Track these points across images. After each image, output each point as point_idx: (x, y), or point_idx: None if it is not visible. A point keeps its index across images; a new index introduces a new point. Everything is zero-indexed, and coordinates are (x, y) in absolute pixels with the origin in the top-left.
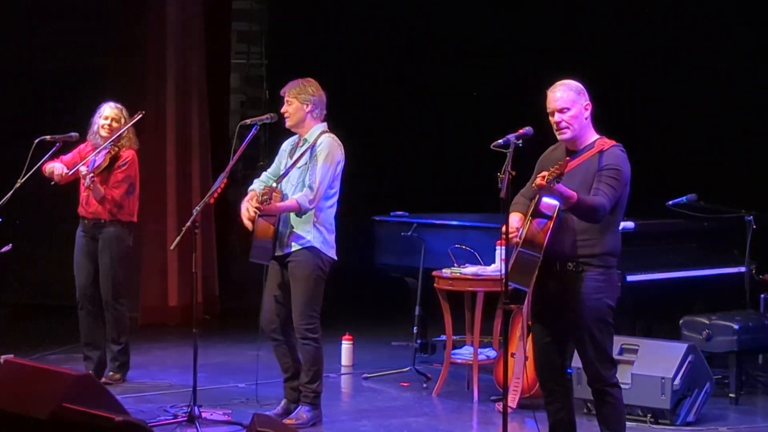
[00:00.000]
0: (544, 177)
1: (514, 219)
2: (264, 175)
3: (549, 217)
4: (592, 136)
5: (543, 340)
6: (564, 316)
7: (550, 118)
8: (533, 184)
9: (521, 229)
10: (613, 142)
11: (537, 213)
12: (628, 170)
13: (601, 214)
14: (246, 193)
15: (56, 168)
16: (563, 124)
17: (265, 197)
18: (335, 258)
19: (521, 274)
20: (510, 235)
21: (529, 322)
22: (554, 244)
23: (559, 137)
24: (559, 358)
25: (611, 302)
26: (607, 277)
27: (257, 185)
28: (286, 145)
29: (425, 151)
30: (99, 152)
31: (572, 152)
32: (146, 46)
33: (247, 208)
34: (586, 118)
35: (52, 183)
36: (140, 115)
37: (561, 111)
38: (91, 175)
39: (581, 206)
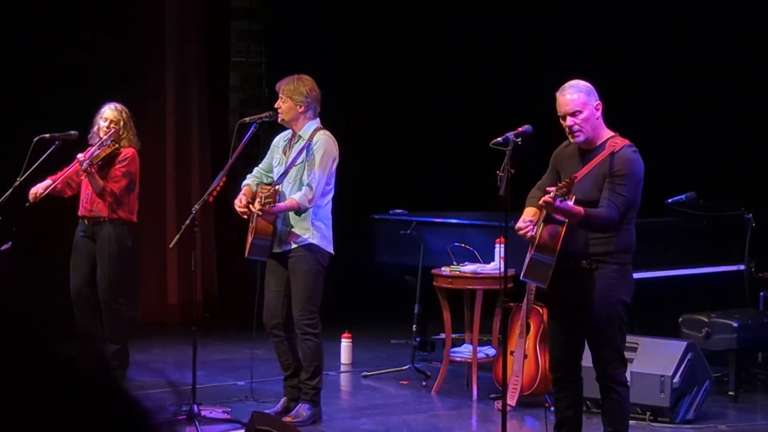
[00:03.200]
0: (550, 194)
1: (528, 213)
2: (256, 170)
3: (561, 223)
4: (605, 134)
5: (559, 336)
6: (578, 312)
7: (562, 122)
8: (541, 201)
9: (534, 229)
10: (626, 142)
11: (549, 219)
12: (641, 170)
13: (610, 226)
14: (240, 189)
15: (39, 187)
16: (576, 127)
17: (269, 200)
18: (333, 253)
19: (536, 273)
20: (524, 228)
21: (529, 320)
22: (568, 244)
23: (572, 140)
24: (574, 355)
25: (626, 299)
26: (621, 274)
27: (250, 180)
28: (278, 141)
29: (425, 150)
30: (99, 147)
31: (585, 151)
32: (145, 45)
33: (240, 199)
34: (597, 118)
35: (28, 204)
36: (114, 131)
37: (573, 114)
38: (88, 161)
39: (589, 221)
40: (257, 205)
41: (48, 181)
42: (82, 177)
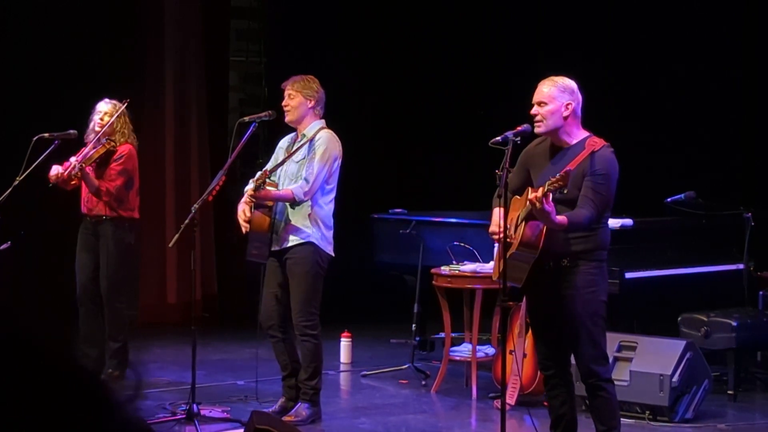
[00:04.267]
0: (535, 197)
1: (497, 215)
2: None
3: None
4: (580, 134)
5: (544, 335)
6: (560, 310)
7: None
8: (528, 199)
9: (511, 228)
10: (603, 143)
11: (530, 216)
12: (617, 171)
13: (589, 224)
14: (243, 194)
15: (53, 169)
16: (538, 117)
17: (259, 182)
18: (333, 254)
19: (515, 272)
20: (498, 233)
21: (528, 320)
22: (549, 243)
23: (535, 129)
24: (561, 351)
25: (604, 297)
26: (600, 271)
27: (252, 184)
28: (283, 142)
29: (424, 149)
30: (94, 146)
31: (558, 148)
32: (144, 44)
33: (243, 210)
34: (565, 117)
35: (50, 185)
36: (126, 103)
37: (539, 104)
38: (79, 165)
39: (572, 227)
40: (250, 191)
41: (59, 168)
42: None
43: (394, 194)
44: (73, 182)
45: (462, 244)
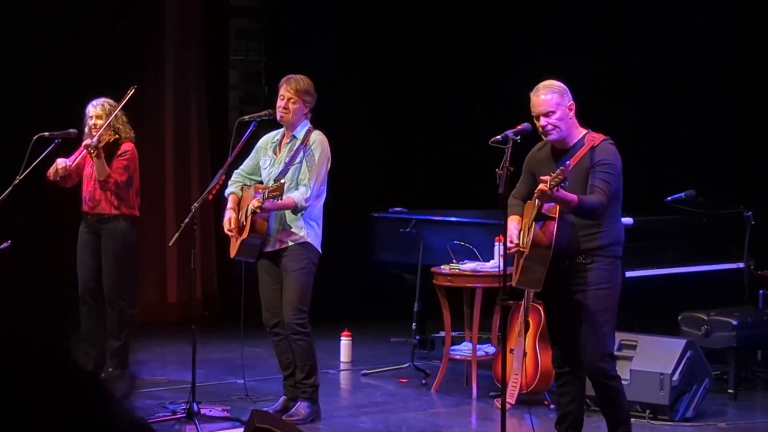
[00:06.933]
0: (546, 183)
1: (513, 225)
2: (237, 174)
3: (551, 218)
4: (579, 132)
5: (560, 333)
6: (574, 306)
7: (536, 122)
8: (535, 192)
9: (521, 233)
10: (602, 136)
11: (539, 216)
12: (620, 162)
13: (601, 211)
14: (227, 200)
15: (58, 162)
16: (549, 127)
17: (276, 193)
18: (320, 252)
19: (530, 277)
20: (511, 249)
21: (528, 318)
22: (561, 242)
23: (546, 138)
24: (575, 350)
25: (617, 294)
26: (614, 267)
27: (234, 188)
28: (266, 143)
29: (424, 148)
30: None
31: (560, 150)
32: (145, 43)
33: (230, 219)
34: (570, 118)
35: (57, 179)
36: (132, 90)
37: (547, 115)
38: (96, 140)
39: (582, 208)
40: (256, 203)
41: (66, 160)
42: (85, 168)
43: (394, 193)
44: (90, 183)
45: (462, 243)
